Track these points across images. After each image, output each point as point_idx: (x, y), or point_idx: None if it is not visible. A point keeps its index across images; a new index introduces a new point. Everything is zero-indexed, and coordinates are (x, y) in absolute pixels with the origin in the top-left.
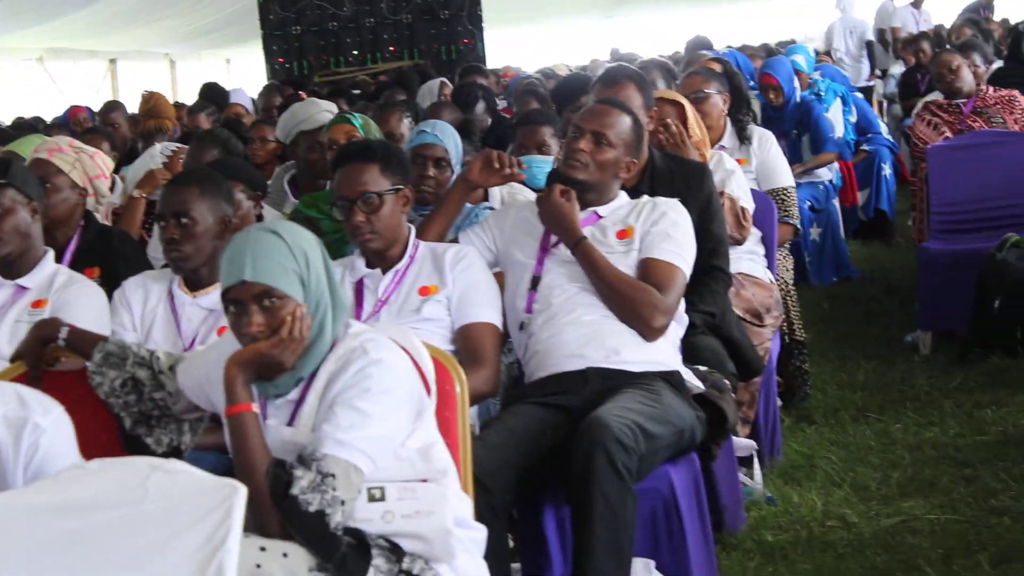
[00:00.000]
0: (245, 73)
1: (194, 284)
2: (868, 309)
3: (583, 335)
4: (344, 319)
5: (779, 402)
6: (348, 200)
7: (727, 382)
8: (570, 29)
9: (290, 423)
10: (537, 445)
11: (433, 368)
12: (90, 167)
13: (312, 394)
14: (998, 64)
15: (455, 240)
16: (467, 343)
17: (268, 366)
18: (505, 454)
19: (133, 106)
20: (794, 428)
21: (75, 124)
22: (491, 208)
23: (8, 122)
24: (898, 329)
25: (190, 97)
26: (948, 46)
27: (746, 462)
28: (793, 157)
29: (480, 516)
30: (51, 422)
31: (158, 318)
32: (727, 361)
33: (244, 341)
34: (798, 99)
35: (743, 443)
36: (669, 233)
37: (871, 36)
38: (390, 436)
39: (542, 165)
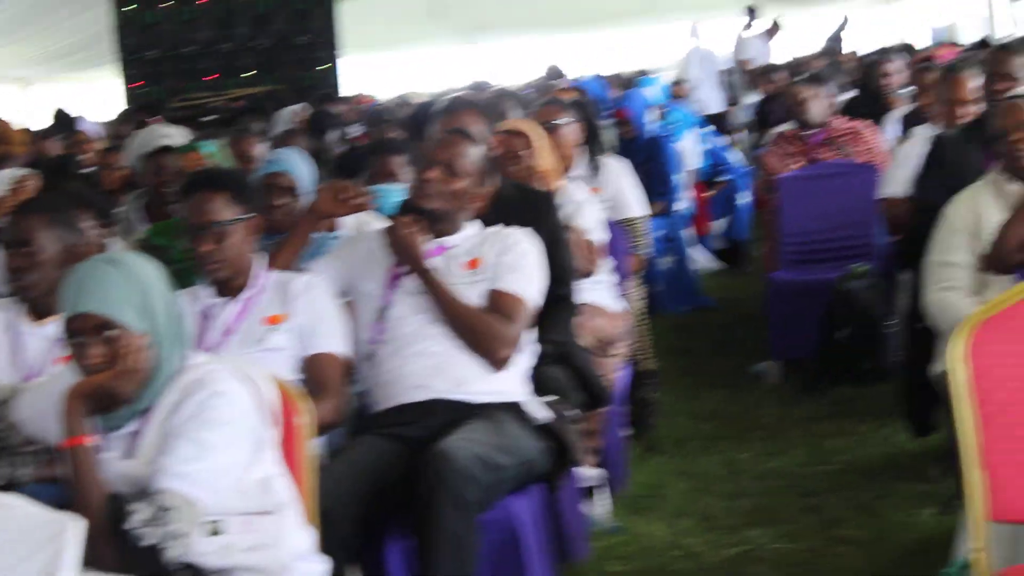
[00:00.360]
0: (102, 97)
1: (38, 313)
2: (719, 338)
3: (429, 366)
4: (186, 350)
5: (627, 432)
6: (195, 229)
7: (573, 413)
8: (431, 55)
9: (129, 455)
10: (382, 476)
11: (277, 399)
12: None
13: (151, 426)
14: (850, 95)
15: (303, 270)
16: (313, 373)
17: (107, 398)
18: (350, 485)
19: None
20: (642, 458)
21: None
22: (340, 237)
23: None
24: (748, 358)
25: (45, 122)
26: (800, 77)
27: (592, 492)
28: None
29: (325, 548)
30: None
31: (0, 347)
32: (574, 391)
33: (84, 372)
34: (649, 134)
35: (589, 473)
36: (516, 264)
37: (723, 66)
38: (230, 468)
39: (393, 193)
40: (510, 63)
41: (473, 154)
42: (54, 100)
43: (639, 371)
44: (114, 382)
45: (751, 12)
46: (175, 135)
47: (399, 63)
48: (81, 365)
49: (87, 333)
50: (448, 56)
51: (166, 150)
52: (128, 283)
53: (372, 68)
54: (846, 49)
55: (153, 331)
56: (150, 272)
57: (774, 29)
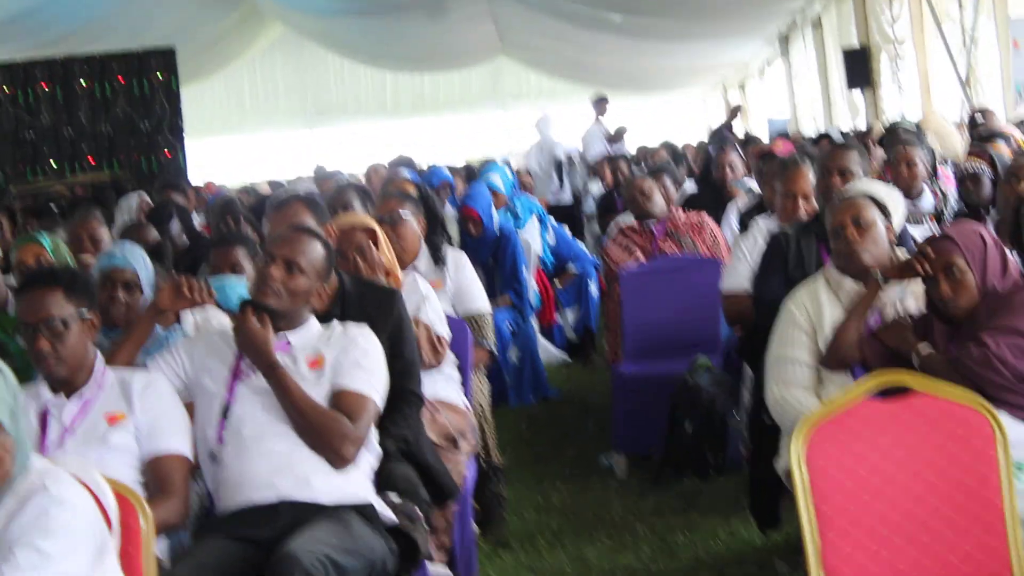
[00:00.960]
0: None
1: None
2: (565, 430)
3: (273, 465)
4: (26, 454)
5: (476, 528)
6: (31, 326)
7: (419, 512)
8: (275, 140)
9: None
10: None
11: (115, 503)
12: None
13: None
14: (690, 185)
15: (144, 366)
16: (156, 473)
17: None
18: None
19: None
20: (491, 554)
21: None
22: (181, 332)
23: None
24: (594, 449)
25: None
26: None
27: None
28: (488, 286)
29: None
30: None
31: None
32: (420, 488)
33: None
34: (496, 229)
35: (438, 571)
36: (359, 362)
37: (564, 157)
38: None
39: (235, 286)
40: (353, 148)
41: (315, 251)
42: None
43: (486, 466)
44: None
45: (600, 103)
46: None
47: (243, 148)
48: None
49: None
50: (292, 141)
51: None
52: (5, 384)
53: (216, 154)
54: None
55: (16, 435)
56: (11, 374)
57: (619, 135)
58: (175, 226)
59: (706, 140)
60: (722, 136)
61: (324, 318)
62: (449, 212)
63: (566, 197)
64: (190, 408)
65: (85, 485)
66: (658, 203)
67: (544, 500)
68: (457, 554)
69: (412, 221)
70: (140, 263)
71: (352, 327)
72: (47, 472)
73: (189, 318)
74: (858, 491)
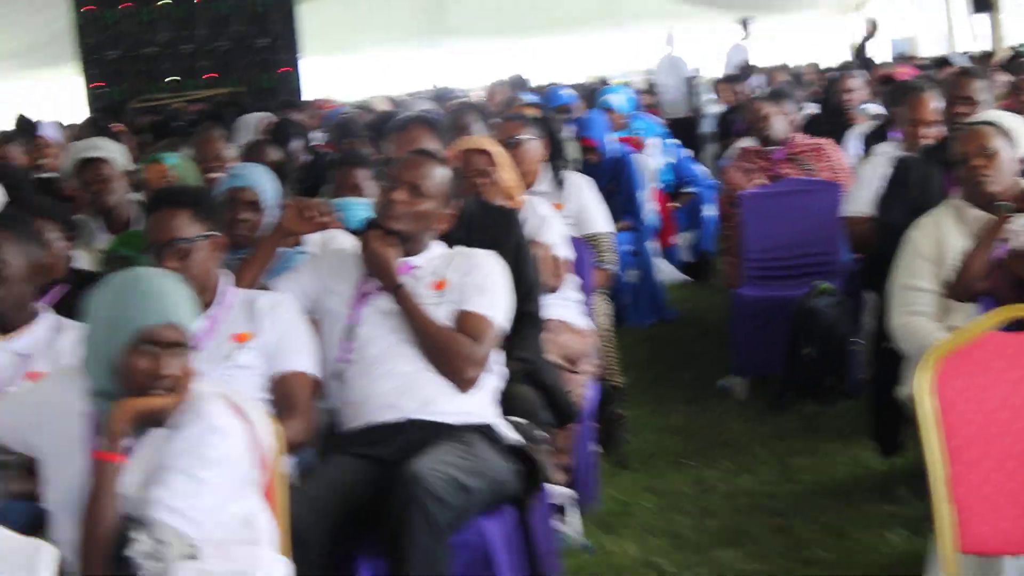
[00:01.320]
0: (61, 95)
1: (4, 327)
2: (685, 352)
3: (398, 386)
4: None
5: (596, 448)
6: (159, 246)
7: (543, 434)
8: (392, 57)
9: None
10: (353, 497)
11: (269, 436)
12: None
13: (143, 446)
14: (811, 110)
15: (268, 286)
16: (282, 392)
17: (153, 418)
18: (321, 506)
19: None
20: (611, 474)
21: None
22: (306, 253)
23: None
24: (714, 372)
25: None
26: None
27: (563, 510)
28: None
29: (297, 568)
30: None
31: None
32: (541, 409)
33: (144, 383)
34: (613, 154)
35: (560, 491)
36: (483, 285)
37: (689, 74)
38: (220, 504)
39: (357, 207)
40: (472, 67)
41: (439, 175)
42: (11, 98)
43: (607, 387)
44: (169, 404)
45: (744, 23)
46: (105, 147)
47: (360, 66)
48: (147, 375)
49: (165, 346)
50: (409, 59)
51: (94, 161)
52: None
53: (333, 71)
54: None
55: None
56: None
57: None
58: (296, 144)
59: (838, 64)
60: (864, 58)
61: (445, 239)
62: (568, 134)
63: (685, 113)
64: (314, 327)
65: (240, 415)
66: (777, 127)
67: (664, 421)
68: (578, 474)
69: (533, 144)
70: (264, 183)
71: (477, 252)
72: (205, 397)
73: (312, 238)
74: (986, 424)
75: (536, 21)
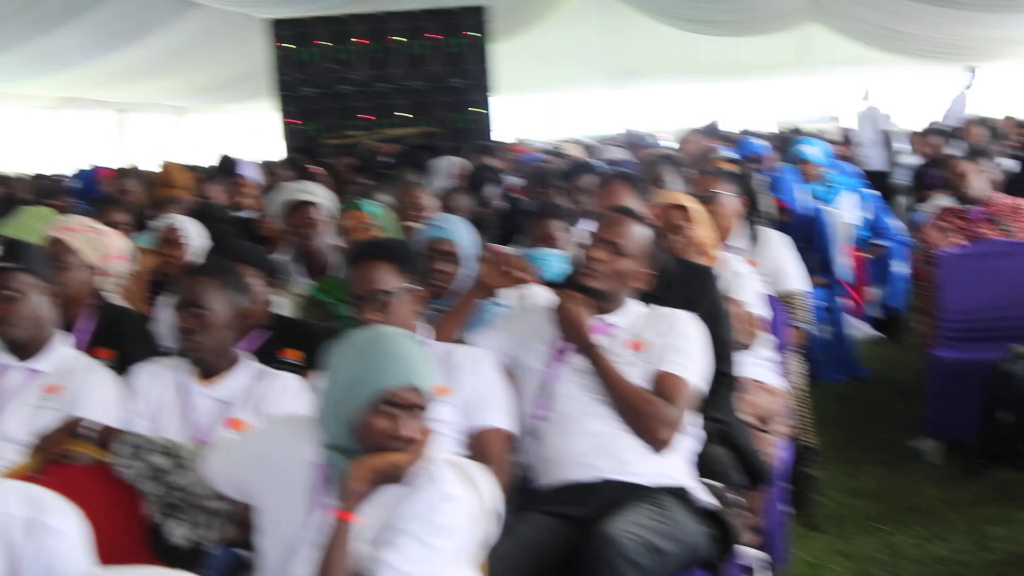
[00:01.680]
0: (252, 126)
1: (206, 373)
2: (877, 411)
3: (593, 445)
4: None
5: (787, 509)
6: (361, 298)
7: (737, 498)
8: (581, 98)
9: None
10: (546, 556)
11: (497, 505)
12: (102, 246)
13: (379, 507)
14: (1009, 163)
15: (466, 340)
16: (478, 447)
17: (390, 477)
18: (514, 563)
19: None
20: (802, 536)
21: (103, 185)
22: (502, 305)
23: (18, 170)
24: (906, 433)
25: (198, 150)
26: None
27: (753, 572)
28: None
29: None
30: (65, 524)
31: (168, 406)
32: (732, 470)
33: (382, 443)
34: (805, 211)
35: (751, 554)
36: (680, 346)
37: (887, 126)
38: (443, 574)
39: (553, 259)
40: (659, 109)
41: (638, 234)
42: (207, 129)
43: (799, 447)
44: (408, 464)
45: (970, 73)
46: (315, 190)
47: (548, 106)
48: (385, 436)
49: (407, 407)
50: (597, 100)
51: (303, 204)
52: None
53: (522, 110)
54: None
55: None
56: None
57: None
58: (491, 190)
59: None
60: None
61: (641, 297)
62: (760, 184)
63: (883, 165)
64: (512, 382)
65: (469, 481)
66: (977, 185)
67: (855, 483)
68: (769, 536)
69: (730, 199)
70: (462, 235)
71: (673, 311)
72: (438, 461)
73: (509, 292)
74: None
75: (726, 65)
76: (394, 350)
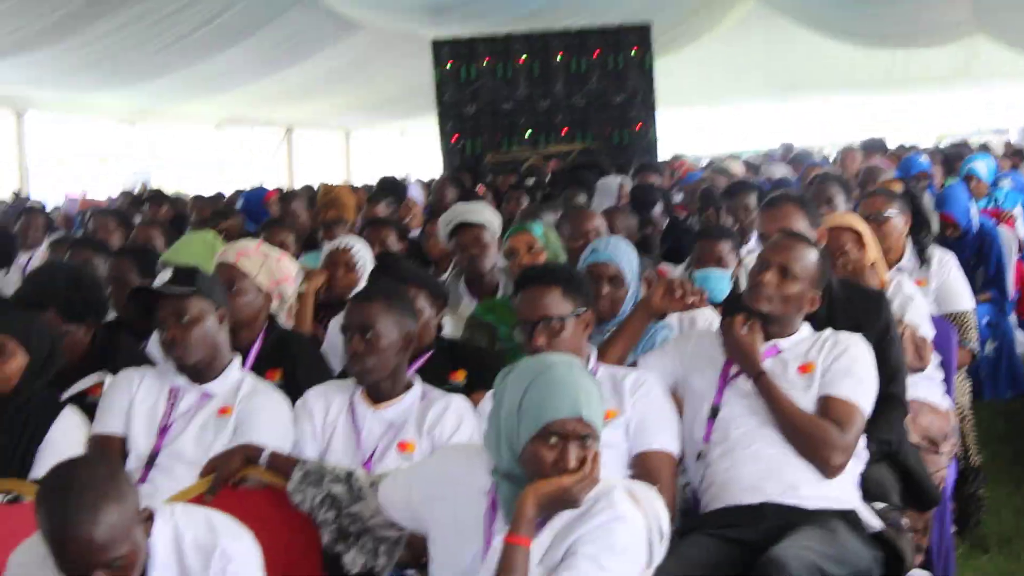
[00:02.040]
0: (418, 143)
1: (376, 396)
2: None
3: (761, 469)
4: None
5: (953, 529)
6: (529, 323)
7: (904, 520)
8: (739, 111)
9: None
10: None
11: (666, 527)
12: (275, 271)
13: (548, 530)
14: None
15: (634, 363)
16: (644, 470)
17: (561, 502)
18: None
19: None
20: (968, 556)
21: (269, 206)
22: (669, 327)
23: (186, 189)
24: None
25: (363, 167)
26: None
27: None
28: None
29: None
30: (240, 549)
31: (339, 428)
32: (893, 491)
33: (548, 473)
34: (976, 228)
35: (916, 574)
36: (850, 370)
37: None
38: None
39: (720, 280)
40: (818, 123)
41: (809, 257)
42: (373, 146)
43: (965, 466)
44: (578, 489)
45: None
46: (484, 212)
47: (710, 120)
48: (549, 463)
49: (573, 438)
50: (758, 113)
51: (473, 226)
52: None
53: (679, 123)
54: None
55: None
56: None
57: None
58: (657, 209)
59: None
60: None
61: (811, 320)
62: (927, 202)
63: None
64: (678, 405)
65: (637, 503)
66: None
67: (1022, 501)
68: (934, 555)
69: (898, 220)
70: (625, 258)
71: (844, 336)
72: (610, 484)
73: (674, 314)
74: None
75: (888, 78)
76: (561, 380)
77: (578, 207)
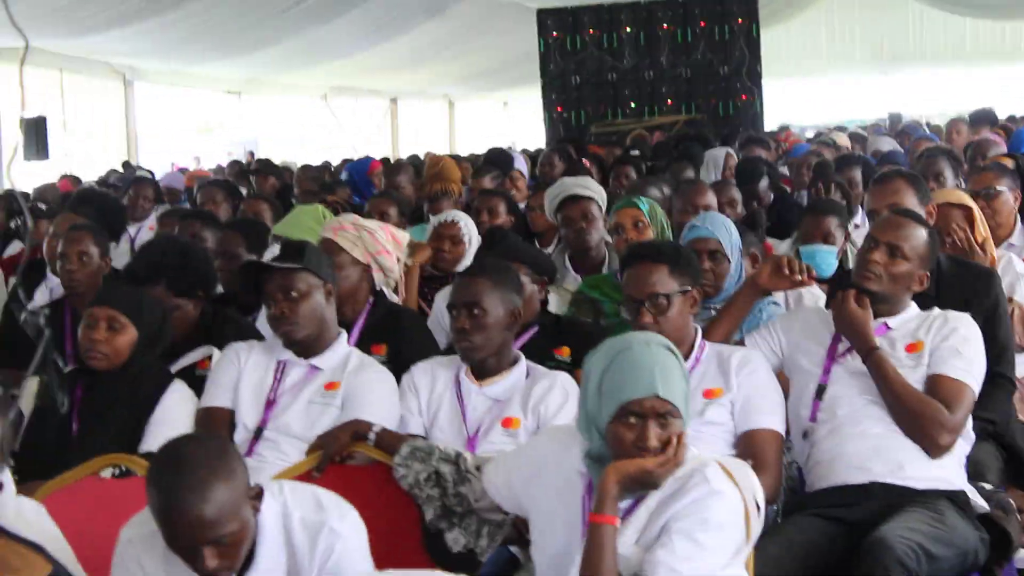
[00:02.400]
0: (521, 114)
1: (481, 373)
2: None
3: (868, 448)
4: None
5: None
6: (636, 301)
7: (1011, 502)
8: (848, 83)
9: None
10: (815, 557)
11: (762, 503)
12: (371, 244)
13: (643, 509)
14: None
15: (741, 341)
16: (749, 449)
17: (643, 482)
18: (784, 566)
19: (412, 145)
20: None
21: (374, 177)
22: (776, 303)
23: (293, 159)
24: None
25: (466, 138)
26: None
27: None
28: None
29: None
30: (347, 527)
31: (444, 405)
32: (992, 471)
33: (630, 453)
34: None
35: None
36: (959, 349)
37: None
38: (715, 570)
39: (827, 255)
40: (923, 94)
41: (918, 237)
42: (476, 116)
43: None
44: (660, 469)
45: None
46: (592, 186)
47: (814, 92)
48: (635, 446)
49: (652, 416)
50: (863, 85)
51: (580, 199)
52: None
53: (784, 95)
54: None
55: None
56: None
57: None
58: (763, 183)
59: None
60: None
61: (919, 298)
62: None
63: None
64: (783, 381)
65: (735, 481)
66: None
67: None
68: None
69: (1009, 196)
70: (723, 232)
71: (953, 315)
72: (703, 461)
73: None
74: None
75: (994, 49)
76: (637, 359)
77: (689, 181)
